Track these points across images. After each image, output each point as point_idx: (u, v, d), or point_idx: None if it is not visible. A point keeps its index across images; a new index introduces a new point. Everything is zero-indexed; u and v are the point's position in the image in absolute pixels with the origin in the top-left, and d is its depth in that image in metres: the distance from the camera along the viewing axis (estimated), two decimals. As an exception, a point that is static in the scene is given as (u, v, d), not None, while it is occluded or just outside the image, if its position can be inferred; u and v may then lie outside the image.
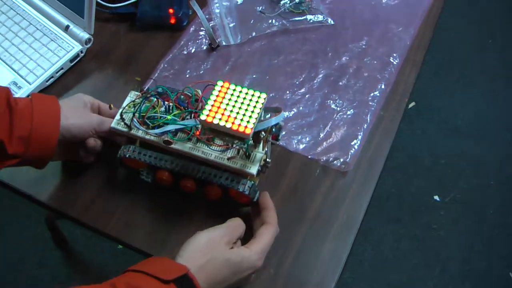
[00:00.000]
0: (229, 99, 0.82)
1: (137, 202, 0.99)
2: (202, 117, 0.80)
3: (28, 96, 1.01)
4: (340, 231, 0.96)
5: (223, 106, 0.81)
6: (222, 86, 0.83)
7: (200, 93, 0.93)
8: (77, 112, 0.94)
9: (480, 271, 1.97)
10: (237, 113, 0.81)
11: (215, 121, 0.80)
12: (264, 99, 0.82)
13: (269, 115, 0.87)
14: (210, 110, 0.81)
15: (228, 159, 0.88)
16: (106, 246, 1.98)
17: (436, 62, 2.51)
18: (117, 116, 0.94)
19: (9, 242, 2.04)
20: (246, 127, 0.80)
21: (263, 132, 0.86)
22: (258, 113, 0.81)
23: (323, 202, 0.99)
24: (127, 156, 0.91)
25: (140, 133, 0.91)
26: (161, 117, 0.90)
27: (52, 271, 1.96)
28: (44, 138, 0.87)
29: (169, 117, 0.90)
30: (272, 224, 0.88)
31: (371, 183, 1.01)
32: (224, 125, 0.80)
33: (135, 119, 0.91)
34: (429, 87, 2.44)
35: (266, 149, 0.89)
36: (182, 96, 0.93)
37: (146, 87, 1.14)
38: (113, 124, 0.93)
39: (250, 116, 0.80)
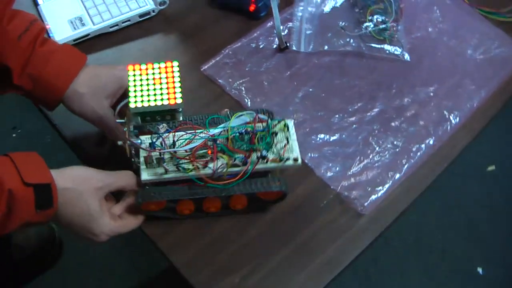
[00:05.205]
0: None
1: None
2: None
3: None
4: (321, 267, 0.98)
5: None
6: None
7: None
8: (90, 94, 0.97)
9: None
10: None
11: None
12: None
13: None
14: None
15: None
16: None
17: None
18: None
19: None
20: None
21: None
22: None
23: (317, 233, 1.02)
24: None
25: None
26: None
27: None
28: (50, 87, 0.95)
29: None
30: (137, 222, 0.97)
31: (373, 232, 1.03)
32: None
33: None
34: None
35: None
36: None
37: (204, 67, 1.20)
38: None
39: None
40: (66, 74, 0.95)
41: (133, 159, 0.94)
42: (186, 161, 0.91)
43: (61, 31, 1.18)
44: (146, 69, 0.87)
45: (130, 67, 0.87)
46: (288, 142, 0.94)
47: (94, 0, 1.23)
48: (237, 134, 0.93)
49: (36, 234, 1.90)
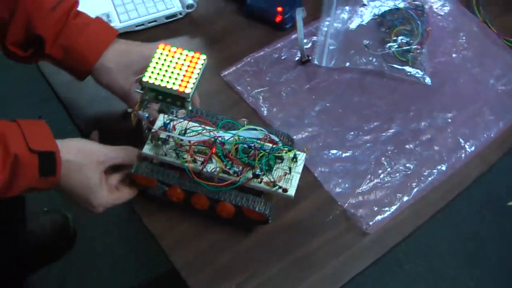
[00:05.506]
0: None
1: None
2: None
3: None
4: (319, 282, 0.98)
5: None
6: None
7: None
8: (118, 69, 1.00)
9: None
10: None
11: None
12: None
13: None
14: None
15: (261, 181, 0.93)
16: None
17: None
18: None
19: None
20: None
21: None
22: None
23: (319, 247, 1.02)
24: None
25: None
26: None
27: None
28: (81, 59, 0.99)
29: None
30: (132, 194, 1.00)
31: (376, 253, 1.03)
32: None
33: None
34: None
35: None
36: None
37: (224, 73, 1.21)
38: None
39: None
40: (96, 47, 0.98)
41: (145, 131, 0.98)
42: (185, 151, 0.93)
43: (87, 25, 1.20)
44: (175, 52, 0.93)
45: (161, 45, 0.93)
46: (290, 171, 0.94)
47: (123, -2, 1.26)
48: (244, 146, 0.93)
49: (51, 223, 1.93)
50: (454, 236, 2.16)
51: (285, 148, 0.95)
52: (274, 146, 0.94)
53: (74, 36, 0.97)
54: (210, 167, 0.92)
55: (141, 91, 0.95)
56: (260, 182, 0.93)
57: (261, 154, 0.92)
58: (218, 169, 0.92)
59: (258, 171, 0.91)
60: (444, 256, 2.11)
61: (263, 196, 0.96)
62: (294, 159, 0.95)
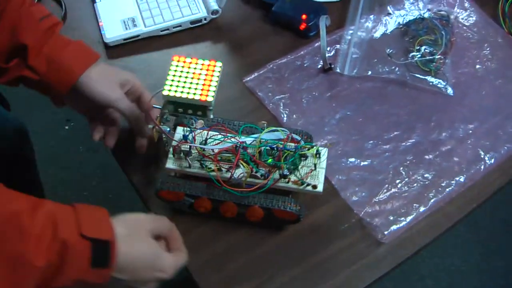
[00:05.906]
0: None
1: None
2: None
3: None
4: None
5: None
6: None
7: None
8: (103, 80, 1.00)
9: None
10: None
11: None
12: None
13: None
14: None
15: (289, 181, 0.95)
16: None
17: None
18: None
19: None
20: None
21: None
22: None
23: (333, 255, 1.02)
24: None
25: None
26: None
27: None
28: (65, 70, 0.97)
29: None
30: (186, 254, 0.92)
31: (391, 263, 1.02)
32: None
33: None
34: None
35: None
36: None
37: (246, 79, 1.22)
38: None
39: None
40: (82, 61, 0.98)
41: (166, 145, 1.00)
42: (209, 160, 0.93)
43: (112, 29, 1.22)
44: (190, 62, 0.94)
45: (176, 58, 0.94)
46: (315, 168, 0.95)
47: (149, 3, 1.28)
48: (267, 148, 0.94)
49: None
50: (481, 253, 2.13)
51: (308, 145, 0.96)
52: (297, 144, 0.95)
53: (59, 48, 0.97)
54: (238, 173, 0.93)
55: (160, 107, 0.96)
56: (288, 182, 0.94)
57: (286, 154, 0.93)
58: (246, 174, 0.93)
59: (285, 171, 0.92)
60: (469, 275, 2.08)
61: (291, 195, 0.97)
62: (317, 155, 0.96)
